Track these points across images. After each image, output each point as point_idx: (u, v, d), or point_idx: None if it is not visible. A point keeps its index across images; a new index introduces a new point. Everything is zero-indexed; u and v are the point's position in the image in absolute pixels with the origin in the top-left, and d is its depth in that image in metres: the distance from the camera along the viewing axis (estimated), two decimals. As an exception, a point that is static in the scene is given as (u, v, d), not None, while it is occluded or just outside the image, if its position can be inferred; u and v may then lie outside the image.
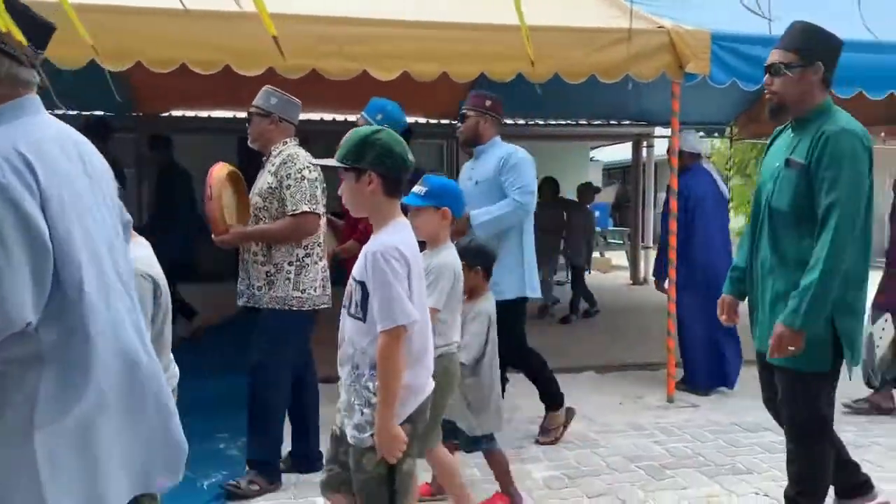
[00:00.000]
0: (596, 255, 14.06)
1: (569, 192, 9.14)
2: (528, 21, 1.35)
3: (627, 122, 10.64)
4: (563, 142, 12.88)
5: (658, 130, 11.09)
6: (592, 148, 13.96)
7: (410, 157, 2.22)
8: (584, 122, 11.13)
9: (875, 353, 4.49)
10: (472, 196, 4.00)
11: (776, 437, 4.11)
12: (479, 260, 3.22)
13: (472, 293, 3.20)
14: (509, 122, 11.02)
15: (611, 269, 12.84)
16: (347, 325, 2.23)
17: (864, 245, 2.63)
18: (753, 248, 2.83)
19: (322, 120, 9.46)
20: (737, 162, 14.75)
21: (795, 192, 2.60)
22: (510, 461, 3.79)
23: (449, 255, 2.86)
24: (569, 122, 11.24)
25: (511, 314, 3.82)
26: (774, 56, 2.70)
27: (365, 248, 2.18)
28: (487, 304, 3.25)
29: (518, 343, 4.04)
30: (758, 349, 2.88)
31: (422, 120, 9.77)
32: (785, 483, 3.49)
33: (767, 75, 2.72)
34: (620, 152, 15.61)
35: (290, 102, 3.61)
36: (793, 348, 2.56)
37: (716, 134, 10.47)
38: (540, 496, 3.40)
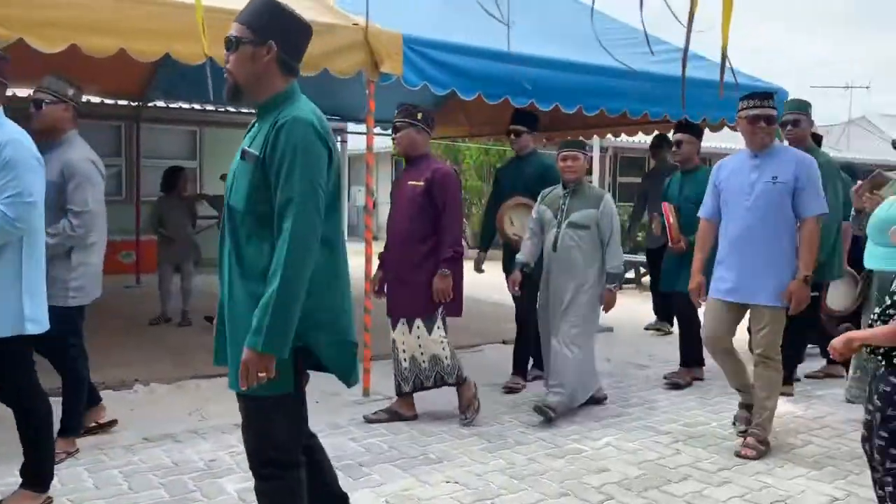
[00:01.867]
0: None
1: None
2: (217, 4, 1.19)
3: (327, 116, 10.64)
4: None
5: (351, 126, 11.29)
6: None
7: None
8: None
9: (402, 360, 4.41)
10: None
11: (461, 427, 4.38)
12: None
13: None
14: (197, 107, 10.44)
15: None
16: None
17: (333, 245, 2.34)
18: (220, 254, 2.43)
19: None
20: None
21: (250, 187, 2.27)
22: (201, 476, 3.53)
23: None
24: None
25: (6, 355, 2.97)
26: (231, 29, 2.33)
27: None
28: None
29: (18, 391, 3.09)
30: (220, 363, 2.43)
31: (95, 99, 8.80)
32: (475, 468, 3.73)
33: (225, 51, 2.34)
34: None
35: None
36: (263, 374, 2.16)
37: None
38: (234, 511, 3.19)
